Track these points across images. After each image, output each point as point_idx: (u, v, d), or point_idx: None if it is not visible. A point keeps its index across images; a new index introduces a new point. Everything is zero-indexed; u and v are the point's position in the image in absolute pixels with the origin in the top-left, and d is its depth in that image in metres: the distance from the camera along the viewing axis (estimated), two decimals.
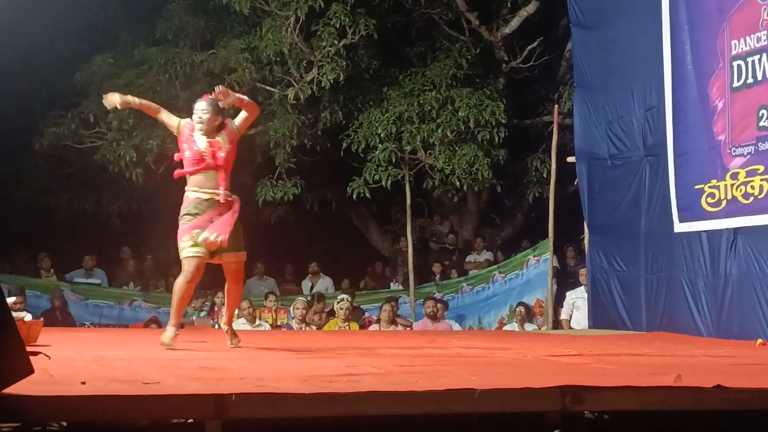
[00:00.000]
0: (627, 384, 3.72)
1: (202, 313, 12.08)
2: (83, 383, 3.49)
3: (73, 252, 13.61)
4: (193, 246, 5.99)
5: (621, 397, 3.61)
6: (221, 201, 6.10)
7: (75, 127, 13.31)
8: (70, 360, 4.78)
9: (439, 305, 11.80)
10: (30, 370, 3.22)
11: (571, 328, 11.17)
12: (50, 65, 14.00)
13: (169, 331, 5.98)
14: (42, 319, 7.76)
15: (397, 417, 3.48)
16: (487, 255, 14.08)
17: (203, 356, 5.55)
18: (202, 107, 6.21)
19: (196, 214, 6.07)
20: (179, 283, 6.02)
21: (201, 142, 6.15)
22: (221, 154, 6.14)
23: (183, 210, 6.12)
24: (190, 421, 3.38)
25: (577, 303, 11.29)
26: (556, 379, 3.73)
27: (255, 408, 3.27)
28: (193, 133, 6.19)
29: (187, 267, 6.00)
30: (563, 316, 11.48)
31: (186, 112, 12.90)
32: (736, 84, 8.27)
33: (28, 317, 6.60)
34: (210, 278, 14.28)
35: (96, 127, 13.32)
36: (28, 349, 3.52)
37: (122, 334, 9.31)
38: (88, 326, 11.75)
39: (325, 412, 3.34)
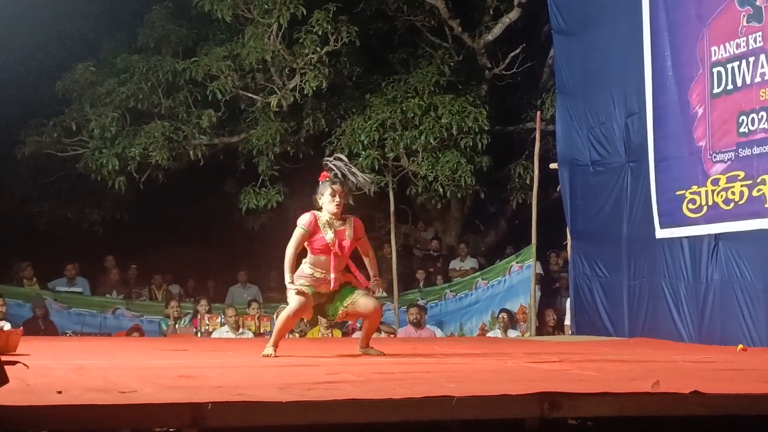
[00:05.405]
0: (605, 390, 3.73)
1: (185, 322, 12.03)
2: (59, 392, 3.46)
3: (56, 261, 13.53)
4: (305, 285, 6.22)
5: (599, 403, 3.61)
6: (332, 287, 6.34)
7: (57, 136, 13.26)
8: (49, 369, 4.75)
9: (421, 311, 11.81)
10: (4, 380, 3.19)
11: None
12: (32, 73, 13.96)
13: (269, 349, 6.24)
14: (21, 328, 7.73)
15: (375, 425, 3.47)
16: (471, 262, 14.07)
17: (183, 364, 5.53)
18: (339, 190, 6.34)
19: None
20: (282, 315, 6.28)
21: (329, 235, 6.33)
22: (345, 244, 6.35)
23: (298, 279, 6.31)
24: (171, 430, 3.37)
25: None
26: (535, 386, 3.73)
27: (232, 416, 3.25)
28: (319, 224, 6.35)
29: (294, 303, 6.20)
30: (567, 321, 11.44)
31: (168, 119, 13.02)
32: (716, 90, 8.32)
33: (7, 326, 6.58)
34: (193, 286, 14.32)
35: (78, 136, 13.31)
36: (6, 358, 3.51)
37: (104, 343, 9.27)
38: (70, 335, 11.69)
39: (302, 420, 3.33)
